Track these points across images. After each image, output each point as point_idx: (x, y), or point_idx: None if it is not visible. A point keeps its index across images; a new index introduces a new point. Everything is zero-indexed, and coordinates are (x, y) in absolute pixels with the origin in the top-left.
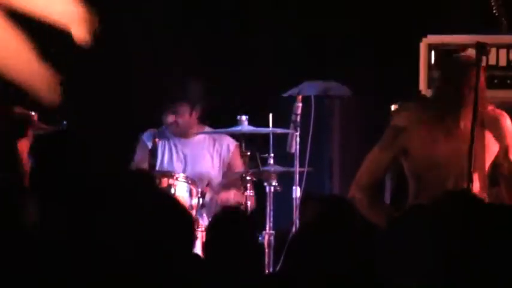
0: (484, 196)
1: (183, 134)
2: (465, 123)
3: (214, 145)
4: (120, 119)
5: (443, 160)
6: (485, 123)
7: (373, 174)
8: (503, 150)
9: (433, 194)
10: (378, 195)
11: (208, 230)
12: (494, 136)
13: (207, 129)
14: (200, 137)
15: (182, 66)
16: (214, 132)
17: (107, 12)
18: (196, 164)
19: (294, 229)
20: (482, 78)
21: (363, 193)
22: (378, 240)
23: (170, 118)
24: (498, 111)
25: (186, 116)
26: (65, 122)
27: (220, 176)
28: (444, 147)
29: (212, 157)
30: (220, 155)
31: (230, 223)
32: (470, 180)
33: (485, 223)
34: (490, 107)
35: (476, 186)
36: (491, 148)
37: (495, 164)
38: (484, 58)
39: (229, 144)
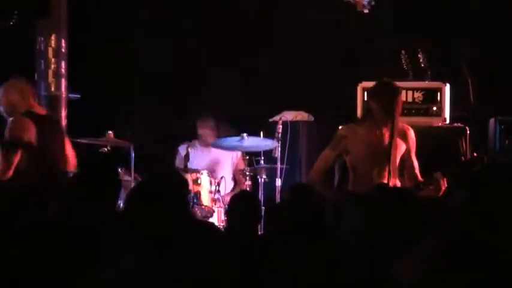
0: (395, 180)
1: (207, 145)
2: (384, 133)
3: (229, 153)
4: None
5: (370, 158)
6: (397, 133)
7: (324, 164)
8: (407, 151)
9: (364, 181)
10: (328, 178)
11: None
12: (403, 141)
13: None
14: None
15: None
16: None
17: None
18: (215, 165)
19: None
20: (400, 107)
21: (318, 176)
22: (328, 212)
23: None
24: (406, 125)
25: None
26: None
27: (231, 172)
28: (371, 150)
29: (228, 161)
30: (232, 158)
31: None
32: (389, 172)
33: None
34: (401, 124)
35: (391, 175)
36: (400, 149)
37: (401, 160)
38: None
39: (238, 152)
